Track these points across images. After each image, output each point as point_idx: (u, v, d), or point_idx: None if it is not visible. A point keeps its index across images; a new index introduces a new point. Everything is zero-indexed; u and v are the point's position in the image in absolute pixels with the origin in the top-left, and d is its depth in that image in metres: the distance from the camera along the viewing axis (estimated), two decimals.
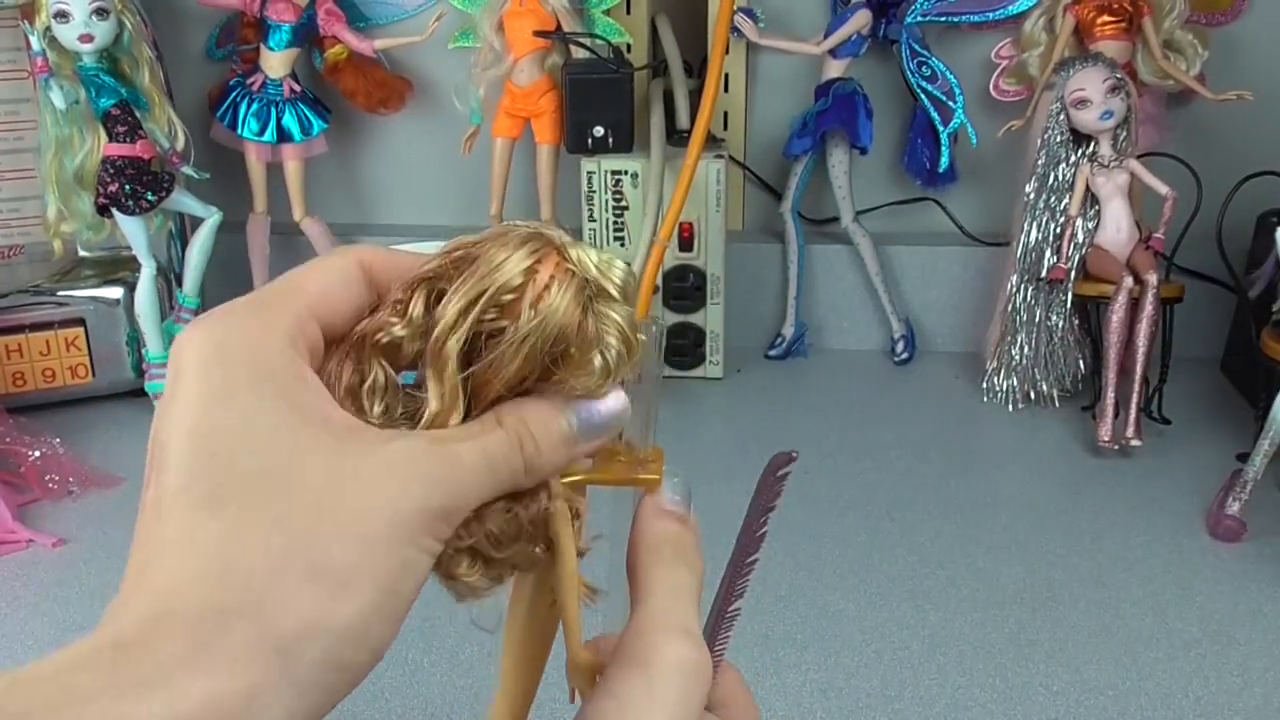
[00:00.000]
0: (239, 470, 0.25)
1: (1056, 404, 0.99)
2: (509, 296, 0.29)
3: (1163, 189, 0.91)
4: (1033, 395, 0.99)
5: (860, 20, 1.02)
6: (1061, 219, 0.95)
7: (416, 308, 0.29)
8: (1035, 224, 0.96)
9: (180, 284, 1.04)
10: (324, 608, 0.24)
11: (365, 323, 0.30)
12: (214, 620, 0.24)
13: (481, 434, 0.28)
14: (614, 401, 0.31)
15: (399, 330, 0.29)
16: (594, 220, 1.01)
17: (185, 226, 1.07)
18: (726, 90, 1.10)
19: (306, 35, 1.06)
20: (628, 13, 1.08)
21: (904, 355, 1.09)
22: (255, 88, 1.07)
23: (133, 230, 0.97)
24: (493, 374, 0.29)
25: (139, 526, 0.26)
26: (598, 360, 0.30)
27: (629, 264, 0.32)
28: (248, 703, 0.23)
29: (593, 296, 0.30)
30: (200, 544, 0.25)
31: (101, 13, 0.92)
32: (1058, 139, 0.94)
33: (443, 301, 0.29)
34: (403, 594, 0.26)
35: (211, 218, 1.02)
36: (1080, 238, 0.94)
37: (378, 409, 0.29)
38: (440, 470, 0.27)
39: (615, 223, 1.01)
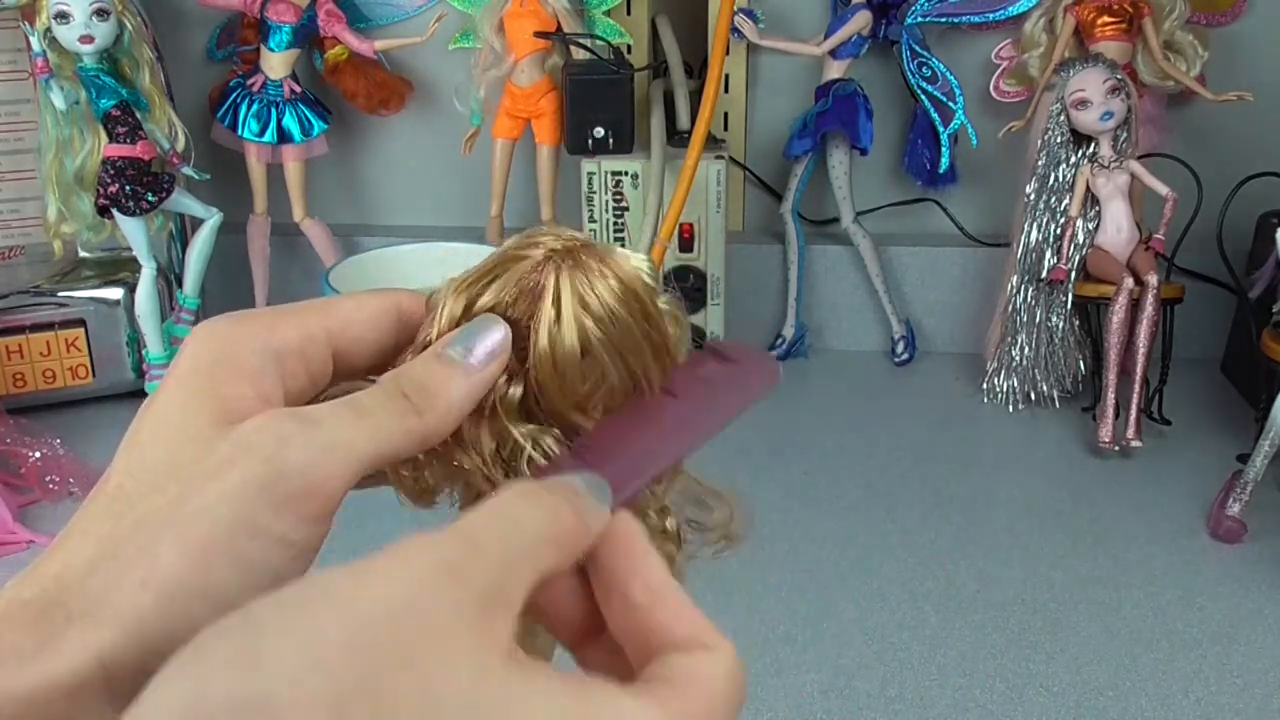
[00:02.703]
0: (144, 463, 0.26)
1: (1057, 405, 0.99)
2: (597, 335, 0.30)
3: (1163, 190, 0.91)
4: (1033, 396, 0.99)
5: (860, 21, 1.02)
6: (1062, 220, 0.95)
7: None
8: (1035, 225, 0.96)
9: (181, 285, 1.04)
10: (144, 620, 0.24)
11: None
12: (58, 618, 0.24)
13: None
14: (491, 320, 0.29)
15: (514, 388, 0.30)
16: (594, 221, 1.01)
17: (186, 227, 1.07)
18: (727, 91, 1.10)
19: (307, 36, 1.06)
20: (628, 13, 1.08)
21: (904, 356, 1.09)
22: (255, 89, 1.07)
23: (133, 231, 0.97)
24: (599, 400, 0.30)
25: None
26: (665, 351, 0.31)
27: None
28: (69, 705, 0.23)
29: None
30: (84, 538, 0.25)
31: (102, 14, 0.92)
32: (1058, 140, 0.94)
33: (527, 349, 0.30)
34: (242, 603, 0.25)
35: (212, 219, 1.02)
36: (1080, 238, 0.94)
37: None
38: (288, 434, 0.25)
39: (615, 223, 1.01)
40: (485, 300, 0.30)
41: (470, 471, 0.30)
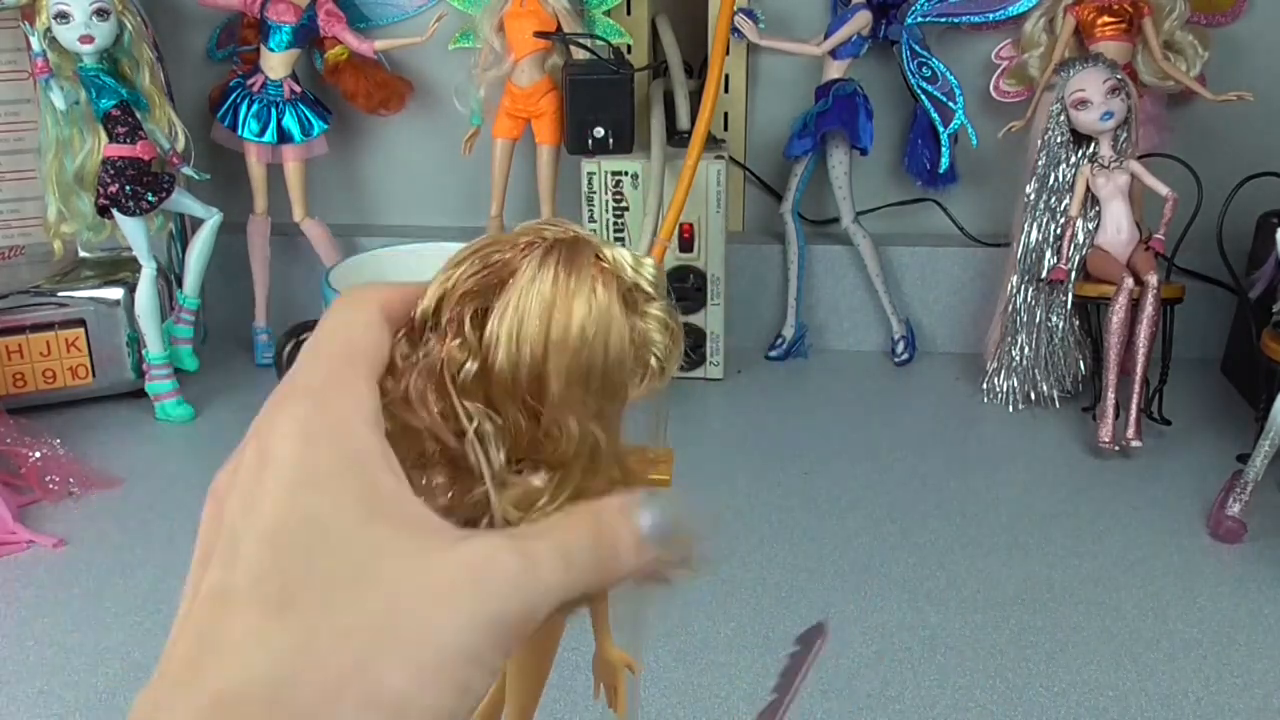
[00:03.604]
0: (315, 571, 0.24)
1: (1057, 405, 0.99)
2: (559, 318, 0.29)
3: (1163, 190, 0.91)
4: (1033, 396, 0.99)
5: (860, 21, 1.02)
6: (1062, 220, 0.95)
7: (471, 332, 0.29)
8: (1035, 225, 0.96)
9: (180, 285, 1.04)
10: None
11: (434, 355, 0.29)
12: None
13: (558, 529, 0.28)
14: (673, 509, 0.30)
15: (470, 363, 0.29)
16: (594, 221, 1.01)
17: (186, 227, 1.07)
18: (727, 91, 1.10)
19: (307, 36, 1.06)
20: (628, 13, 1.08)
21: (904, 356, 1.09)
22: (256, 88, 1.07)
23: (133, 231, 0.97)
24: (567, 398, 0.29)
25: (190, 613, 0.25)
26: (653, 361, 0.30)
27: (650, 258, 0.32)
28: None
29: (635, 301, 0.30)
30: (266, 650, 0.24)
31: (102, 14, 0.92)
32: (1058, 140, 0.94)
33: (488, 328, 0.29)
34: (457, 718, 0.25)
35: (212, 219, 1.02)
36: (1080, 238, 0.94)
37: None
38: (517, 576, 0.26)
39: (615, 223, 1.01)
40: (460, 271, 0.29)
41: (421, 434, 0.29)
